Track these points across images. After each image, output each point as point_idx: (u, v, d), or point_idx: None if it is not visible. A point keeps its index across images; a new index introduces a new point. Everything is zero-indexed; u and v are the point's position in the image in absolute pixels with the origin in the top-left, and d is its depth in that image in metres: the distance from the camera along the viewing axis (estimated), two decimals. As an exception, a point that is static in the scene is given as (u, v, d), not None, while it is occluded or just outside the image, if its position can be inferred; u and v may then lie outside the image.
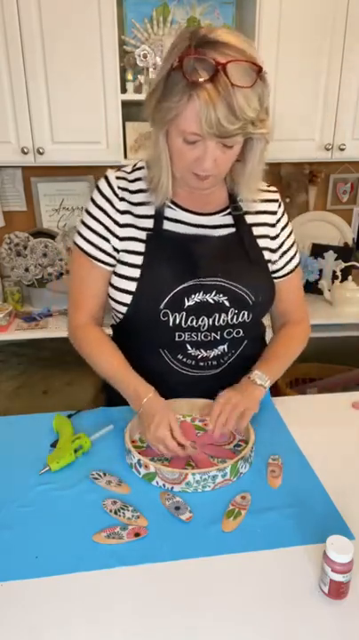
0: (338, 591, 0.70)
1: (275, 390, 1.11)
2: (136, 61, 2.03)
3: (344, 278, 2.34)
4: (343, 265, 2.36)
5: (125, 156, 2.11)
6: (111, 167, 1.11)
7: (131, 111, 2.11)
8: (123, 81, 2.05)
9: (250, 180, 1.02)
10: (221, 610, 0.69)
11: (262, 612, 0.69)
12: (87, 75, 1.96)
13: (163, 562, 0.76)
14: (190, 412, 1.11)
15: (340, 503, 0.87)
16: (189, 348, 1.07)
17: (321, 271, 2.43)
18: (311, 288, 2.44)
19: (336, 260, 2.44)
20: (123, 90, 2.05)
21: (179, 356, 1.09)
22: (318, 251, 2.48)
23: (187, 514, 0.85)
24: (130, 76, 2.08)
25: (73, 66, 1.94)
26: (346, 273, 2.34)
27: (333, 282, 2.36)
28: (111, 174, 1.06)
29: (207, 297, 1.03)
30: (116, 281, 1.06)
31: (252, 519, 0.84)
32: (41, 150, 2.03)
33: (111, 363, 1.06)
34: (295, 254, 1.17)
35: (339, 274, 2.34)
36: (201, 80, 0.81)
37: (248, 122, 0.85)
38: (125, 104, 2.03)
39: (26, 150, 2.02)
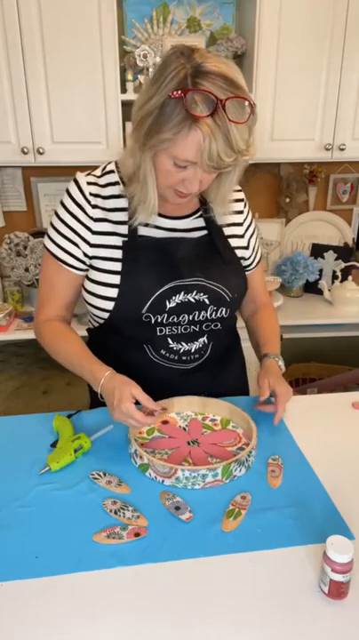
0: (338, 591, 0.70)
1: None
2: (136, 61, 2.03)
3: (344, 278, 2.34)
4: (343, 265, 2.36)
5: (125, 156, 2.10)
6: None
7: (131, 111, 2.10)
8: (123, 81, 2.05)
9: (224, 196, 1.05)
10: (221, 610, 0.69)
11: (262, 612, 0.69)
12: (87, 75, 1.96)
13: (163, 562, 0.76)
14: (203, 409, 1.12)
15: (340, 503, 0.87)
16: (171, 342, 1.09)
17: (321, 271, 2.44)
18: (311, 288, 2.44)
19: (336, 260, 2.45)
20: (123, 90, 2.05)
21: (162, 351, 1.10)
22: (318, 251, 2.48)
23: (187, 514, 0.85)
24: (130, 76, 2.08)
25: (73, 66, 1.94)
26: (346, 273, 2.35)
27: (333, 282, 2.37)
28: (81, 178, 1.06)
29: (188, 297, 1.05)
30: (95, 288, 1.06)
31: (252, 519, 0.84)
32: (41, 150, 2.03)
33: (70, 349, 1.07)
34: (258, 247, 1.24)
35: (339, 274, 2.34)
36: (202, 115, 0.83)
37: (240, 153, 0.90)
38: (125, 104, 2.03)
39: (26, 150, 2.02)
